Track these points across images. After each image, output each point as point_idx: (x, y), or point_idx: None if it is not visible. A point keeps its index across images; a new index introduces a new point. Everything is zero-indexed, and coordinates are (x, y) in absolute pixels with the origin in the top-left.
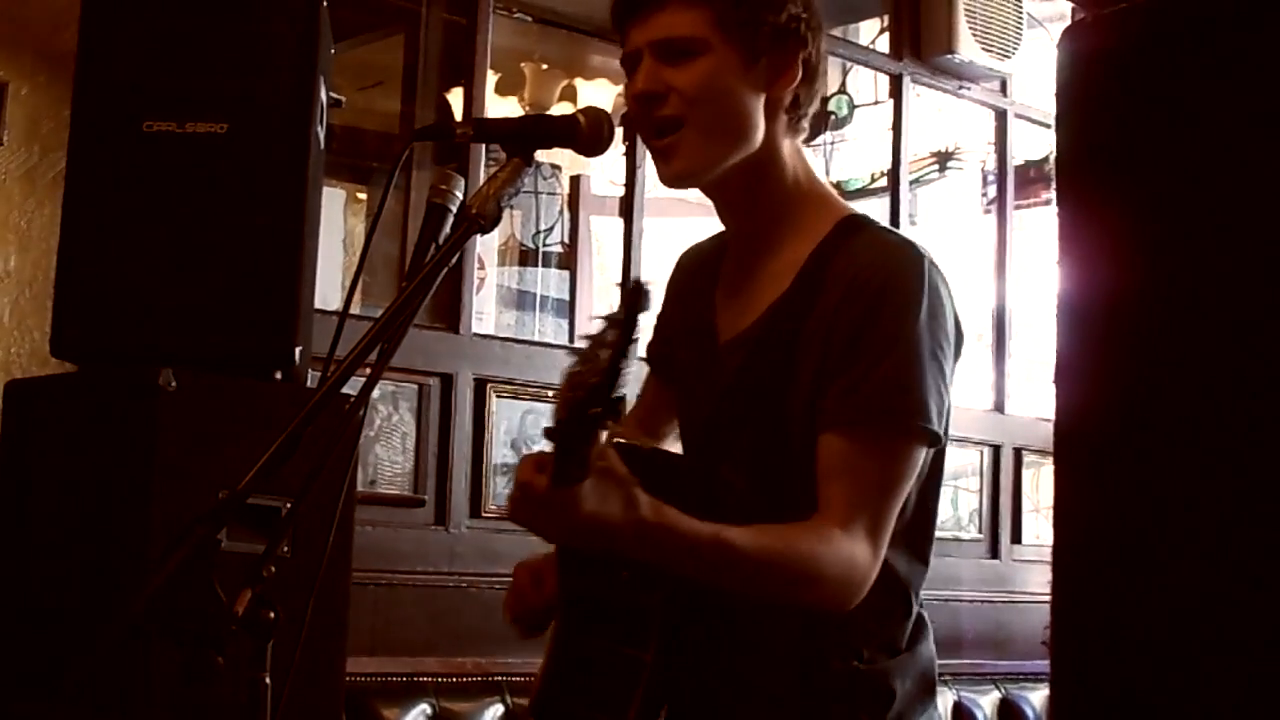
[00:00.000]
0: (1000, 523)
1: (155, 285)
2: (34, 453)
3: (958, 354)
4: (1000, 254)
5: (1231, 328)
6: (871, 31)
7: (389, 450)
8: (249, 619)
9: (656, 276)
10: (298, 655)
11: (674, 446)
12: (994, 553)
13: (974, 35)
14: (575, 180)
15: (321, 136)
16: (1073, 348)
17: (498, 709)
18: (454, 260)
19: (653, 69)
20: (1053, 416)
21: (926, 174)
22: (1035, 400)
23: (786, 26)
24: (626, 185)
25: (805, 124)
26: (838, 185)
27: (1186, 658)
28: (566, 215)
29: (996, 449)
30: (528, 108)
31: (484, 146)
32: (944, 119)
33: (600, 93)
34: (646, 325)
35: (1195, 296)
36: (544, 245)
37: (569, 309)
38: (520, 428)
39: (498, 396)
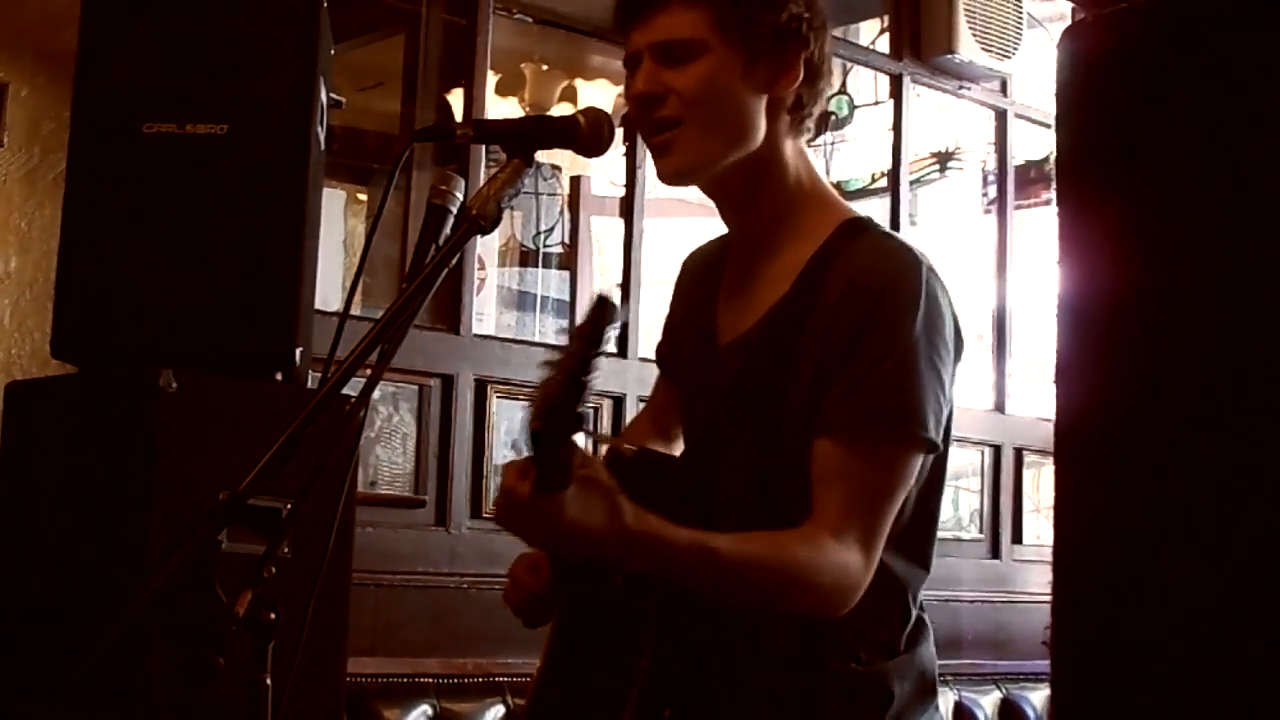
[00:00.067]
0: (1001, 523)
1: (156, 286)
2: (34, 454)
3: (957, 360)
4: (1000, 254)
5: (1232, 327)
6: (871, 32)
7: (389, 451)
8: (250, 620)
9: (657, 277)
10: (298, 656)
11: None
12: (994, 553)
13: (974, 35)
14: (575, 181)
15: (321, 137)
16: (1073, 348)
17: (498, 709)
18: (454, 261)
19: (652, 71)
20: (1053, 416)
21: (927, 174)
22: (1036, 400)
23: (787, 26)
24: (627, 186)
25: (810, 124)
26: (838, 185)
27: (1186, 658)
28: (567, 216)
29: (997, 449)
30: (528, 108)
31: (484, 147)
32: (944, 119)
33: (600, 93)
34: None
35: (1195, 296)
36: (544, 246)
37: (569, 310)
38: (521, 429)
39: (498, 397)
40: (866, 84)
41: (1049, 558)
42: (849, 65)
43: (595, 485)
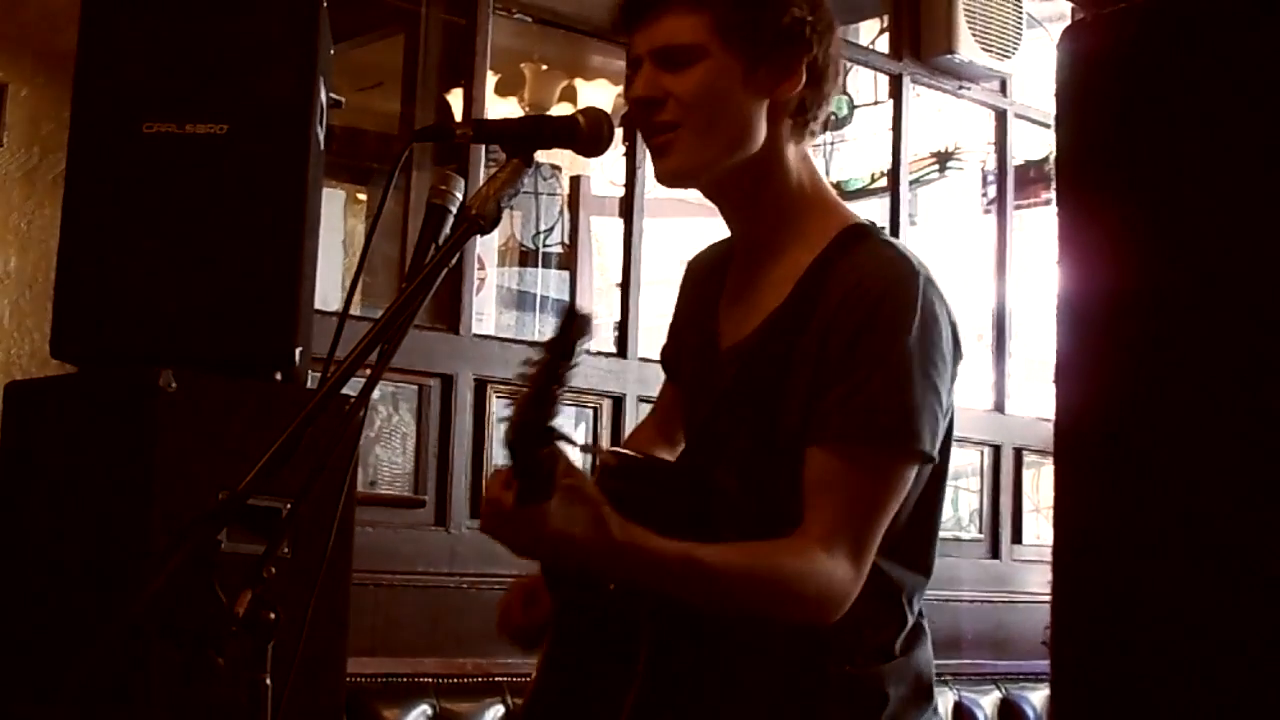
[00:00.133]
0: (1000, 523)
1: (155, 286)
2: (34, 454)
3: (955, 370)
4: (1000, 254)
5: (1231, 327)
6: (871, 31)
7: (389, 451)
8: (249, 620)
9: (657, 277)
10: (298, 656)
11: None
12: (994, 553)
13: (974, 35)
14: (575, 181)
15: (321, 137)
16: (1073, 347)
17: (498, 709)
18: (454, 261)
19: (652, 75)
20: (1053, 416)
21: (926, 174)
22: (1035, 400)
23: (789, 31)
24: (626, 186)
25: (815, 127)
26: (837, 185)
27: (1186, 658)
28: (566, 216)
29: (997, 449)
30: (527, 108)
31: (484, 147)
32: (944, 119)
33: (600, 93)
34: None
35: (1195, 296)
36: (544, 246)
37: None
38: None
39: (498, 397)
40: (866, 84)
41: (1049, 558)
42: (848, 65)
43: (579, 496)
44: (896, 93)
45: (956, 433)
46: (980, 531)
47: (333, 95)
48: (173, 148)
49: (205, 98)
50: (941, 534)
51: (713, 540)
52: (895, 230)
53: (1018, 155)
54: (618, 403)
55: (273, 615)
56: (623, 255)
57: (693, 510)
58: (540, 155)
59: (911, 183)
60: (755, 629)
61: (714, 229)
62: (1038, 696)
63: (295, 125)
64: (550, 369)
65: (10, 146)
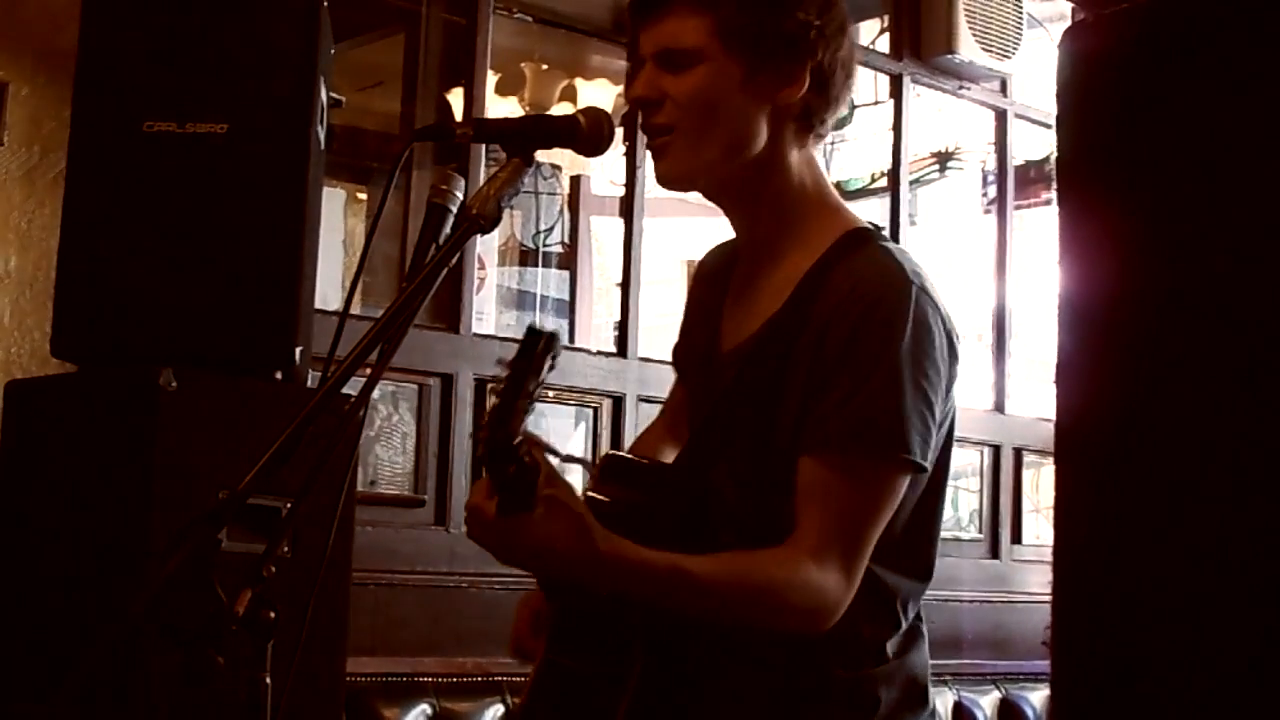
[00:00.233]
0: (1000, 523)
1: (155, 285)
2: (34, 453)
3: (950, 379)
4: (1000, 254)
5: (1231, 327)
6: (871, 31)
7: (389, 450)
8: (249, 619)
9: (657, 276)
10: (298, 655)
11: None
12: (994, 553)
13: (974, 35)
14: (575, 180)
15: (322, 136)
16: (1073, 348)
17: (498, 709)
18: (454, 260)
19: (652, 75)
20: (1053, 416)
21: (927, 174)
22: (1035, 400)
23: (793, 35)
24: (627, 185)
25: (824, 130)
26: (838, 185)
27: (1187, 658)
28: (566, 215)
29: (996, 449)
30: (528, 108)
31: (484, 147)
32: (944, 119)
33: (600, 93)
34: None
35: (1195, 296)
36: (544, 245)
37: (569, 309)
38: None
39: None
40: (866, 84)
41: (1048, 558)
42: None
43: (560, 507)
44: (897, 93)
45: (957, 433)
46: (980, 532)
47: (333, 94)
48: (173, 147)
49: (206, 97)
50: (942, 534)
51: (710, 542)
52: (895, 230)
53: (1018, 155)
54: (618, 403)
55: (272, 614)
56: (623, 255)
57: (689, 512)
58: (540, 155)
59: (912, 183)
60: (747, 633)
61: (714, 229)
62: (1037, 697)
63: (296, 124)
64: (511, 387)
65: (11, 145)
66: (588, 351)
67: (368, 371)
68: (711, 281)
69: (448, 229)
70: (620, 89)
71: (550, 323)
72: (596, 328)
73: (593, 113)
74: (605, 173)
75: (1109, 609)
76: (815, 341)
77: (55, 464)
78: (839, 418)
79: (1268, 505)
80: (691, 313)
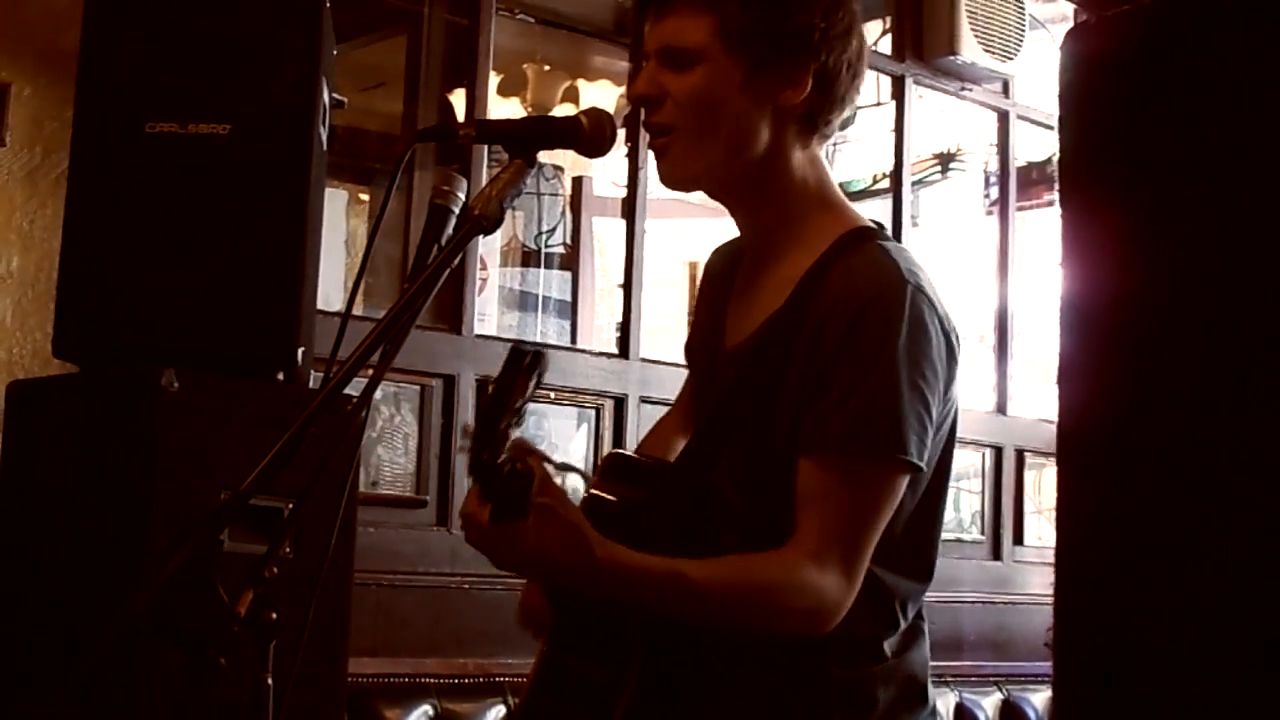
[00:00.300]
0: (1002, 524)
1: (157, 286)
2: (36, 453)
3: (949, 379)
4: (1002, 255)
5: (1233, 329)
6: (873, 33)
7: (391, 451)
8: (251, 619)
9: (659, 277)
10: (300, 656)
11: None
12: (996, 554)
13: (976, 37)
14: (577, 181)
15: (324, 137)
16: (1075, 349)
17: (499, 710)
18: (456, 261)
19: (654, 73)
20: (1055, 418)
21: (929, 175)
22: (1037, 401)
23: (796, 37)
24: (629, 186)
25: (829, 130)
26: (840, 186)
27: (1189, 659)
28: (569, 216)
29: (998, 450)
30: (530, 109)
31: (486, 148)
32: (946, 120)
33: (603, 94)
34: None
35: (1197, 298)
36: (546, 246)
37: (571, 310)
38: (521, 429)
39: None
40: (868, 85)
41: (1050, 559)
42: None
43: (553, 515)
44: (899, 94)
45: (958, 434)
46: (982, 533)
47: (335, 95)
48: (175, 147)
49: (208, 97)
50: (943, 535)
51: (712, 541)
52: (897, 232)
53: (1020, 156)
54: (619, 403)
55: (274, 615)
56: (625, 256)
57: (692, 511)
58: (543, 156)
59: (914, 184)
60: (745, 634)
61: (716, 229)
62: (1039, 698)
63: (298, 125)
64: (494, 405)
65: (13, 146)
66: (590, 352)
67: (370, 372)
68: (717, 280)
69: (450, 230)
70: (623, 90)
71: (552, 323)
72: (599, 329)
73: (595, 114)
74: (607, 174)
75: (1111, 610)
76: (812, 340)
77: (57, 464)
78: (835, 420)
79: (1269, 506)
80: (700, 310)
